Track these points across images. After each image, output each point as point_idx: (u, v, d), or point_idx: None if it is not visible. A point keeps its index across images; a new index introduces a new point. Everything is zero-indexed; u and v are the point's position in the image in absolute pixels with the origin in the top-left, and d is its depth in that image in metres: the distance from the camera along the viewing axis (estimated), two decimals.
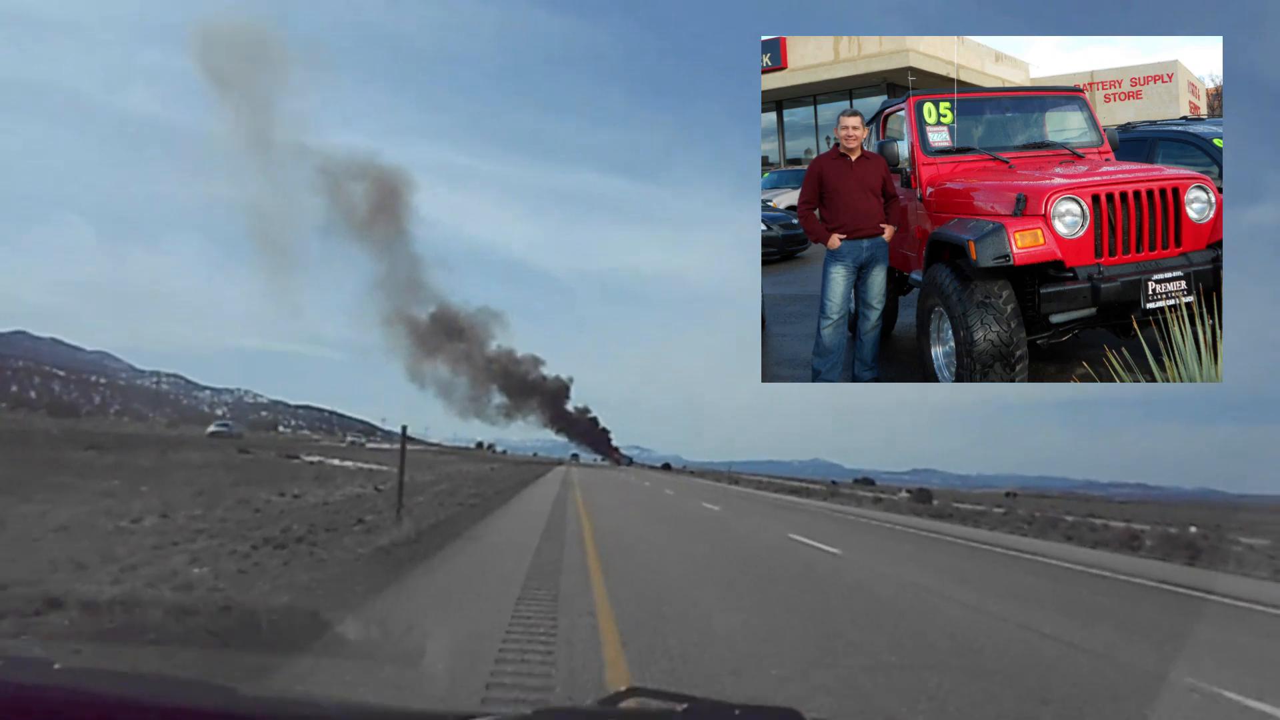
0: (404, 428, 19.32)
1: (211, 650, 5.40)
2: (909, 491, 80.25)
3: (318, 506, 15.88)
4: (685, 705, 1.54)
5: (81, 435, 36.43)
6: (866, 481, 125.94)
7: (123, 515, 11.60)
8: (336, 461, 42.73)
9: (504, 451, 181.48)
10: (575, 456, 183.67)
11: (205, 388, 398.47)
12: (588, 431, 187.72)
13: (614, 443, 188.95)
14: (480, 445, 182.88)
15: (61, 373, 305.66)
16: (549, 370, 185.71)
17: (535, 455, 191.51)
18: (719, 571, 11.54)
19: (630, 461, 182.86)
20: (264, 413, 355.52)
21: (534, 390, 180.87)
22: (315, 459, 42.75)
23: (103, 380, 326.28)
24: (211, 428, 76.90)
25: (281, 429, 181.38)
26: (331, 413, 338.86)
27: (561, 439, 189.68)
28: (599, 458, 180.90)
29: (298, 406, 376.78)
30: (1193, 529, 25.49)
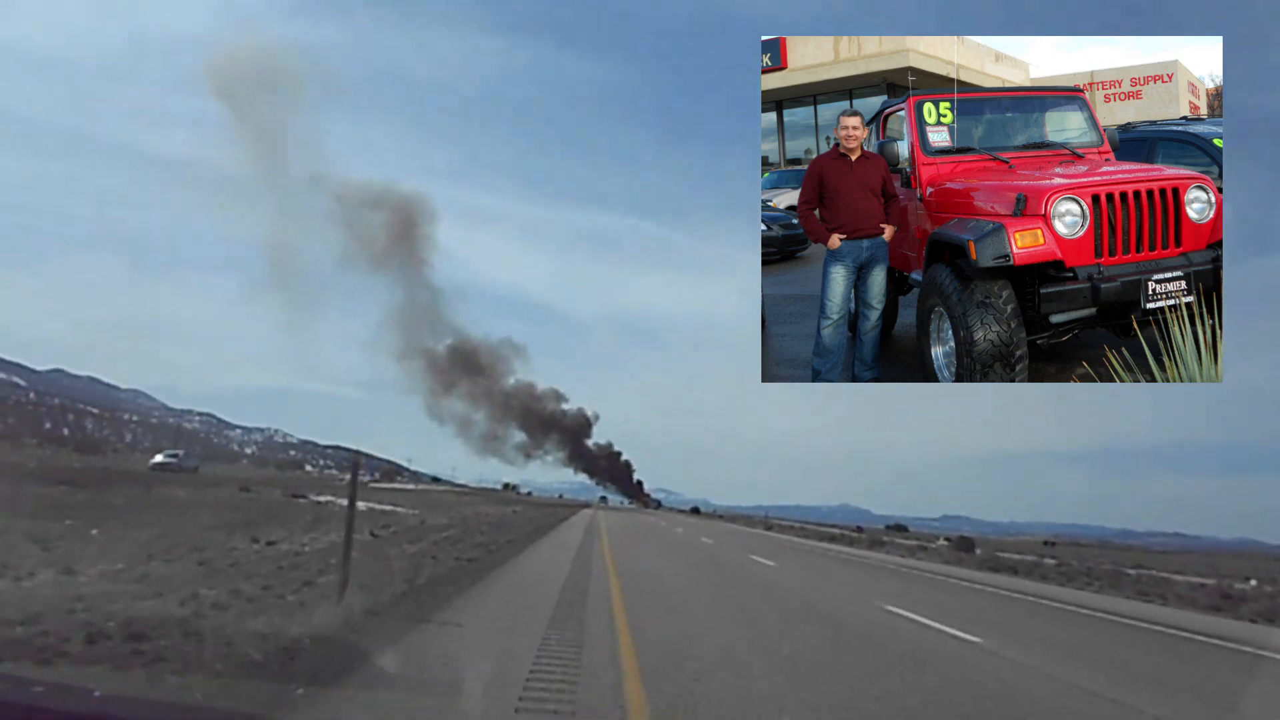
0: (355, 459, 16.76)
1: None
2: (948, 540, 75.51)
3: (286, 556, 13.29)
4: None
5: (61, 471, 34.24)
6: (899, 528, 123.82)
7: (18, 565, 9.45)
8: (345, 502, 41.19)
9: (529, 493, 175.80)
10: (604, 499, 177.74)
11: (236, 426, 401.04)
12: (613, 471, 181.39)
13: (640, 484, 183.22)
14: (506, 486, 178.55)
15: (95, 410, 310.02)
16: (570, 406, 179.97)
17: (561, 497, 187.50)
18: (847, 688, 7.21)
19: (658, 504, 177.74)
20: (293, 452, 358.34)
21: (554, 425, 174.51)
22: (325, 498, 41.12)
23: (135, 418, 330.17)
24: (157, 458, 63.40)
25: (309, 468, 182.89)
26: (361, 453, 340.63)
27: (586, 480, 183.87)
28: (625, 500, 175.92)
29: (327, 446, 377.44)
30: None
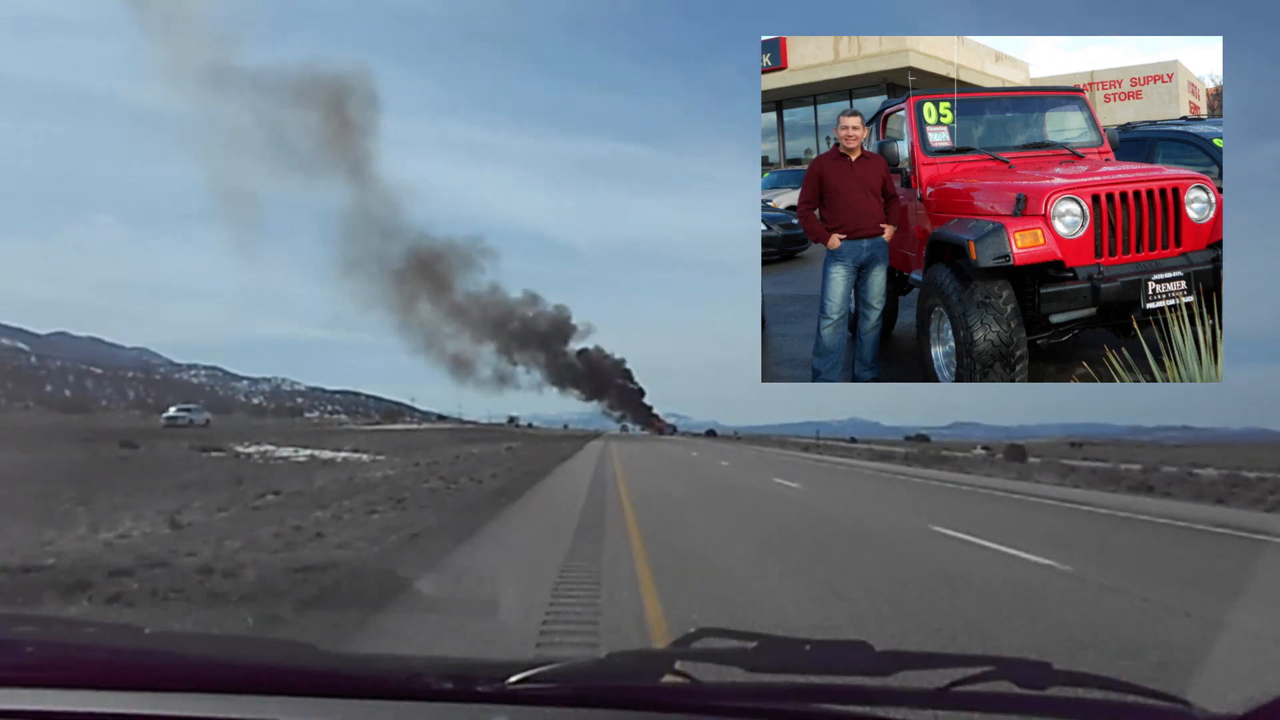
0: None
1: None
2: (986, 448, 70.43)
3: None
4: (756, 642, 1.56)
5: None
6: (921, 439, 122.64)
7: None
8: (289, 453, 34.17)
9: (529, 425, 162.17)
10: (625, 428, 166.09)
11: (243, 378, 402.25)
12: (623, 396, 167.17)
13: (650, 408, 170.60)
14: (511, 420, 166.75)
15: (99, 370, 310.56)
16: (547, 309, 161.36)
17: (566, 427, 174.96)
18: None
19: (674, 429, 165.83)
20: (300, 399, 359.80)
21: (531, 334, 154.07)
22: (253, 449, 34.58)
23: (140, 376, 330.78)
24: (170, 412, 63.14)
25: (309, 414, 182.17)
26: (369, 396, 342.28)
27: (597, 410, 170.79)
28: (637, 427, 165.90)
29: (334, 392, 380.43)
30: None
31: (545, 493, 18.66)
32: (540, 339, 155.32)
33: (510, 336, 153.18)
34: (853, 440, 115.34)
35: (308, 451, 35.56)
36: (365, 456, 33.65)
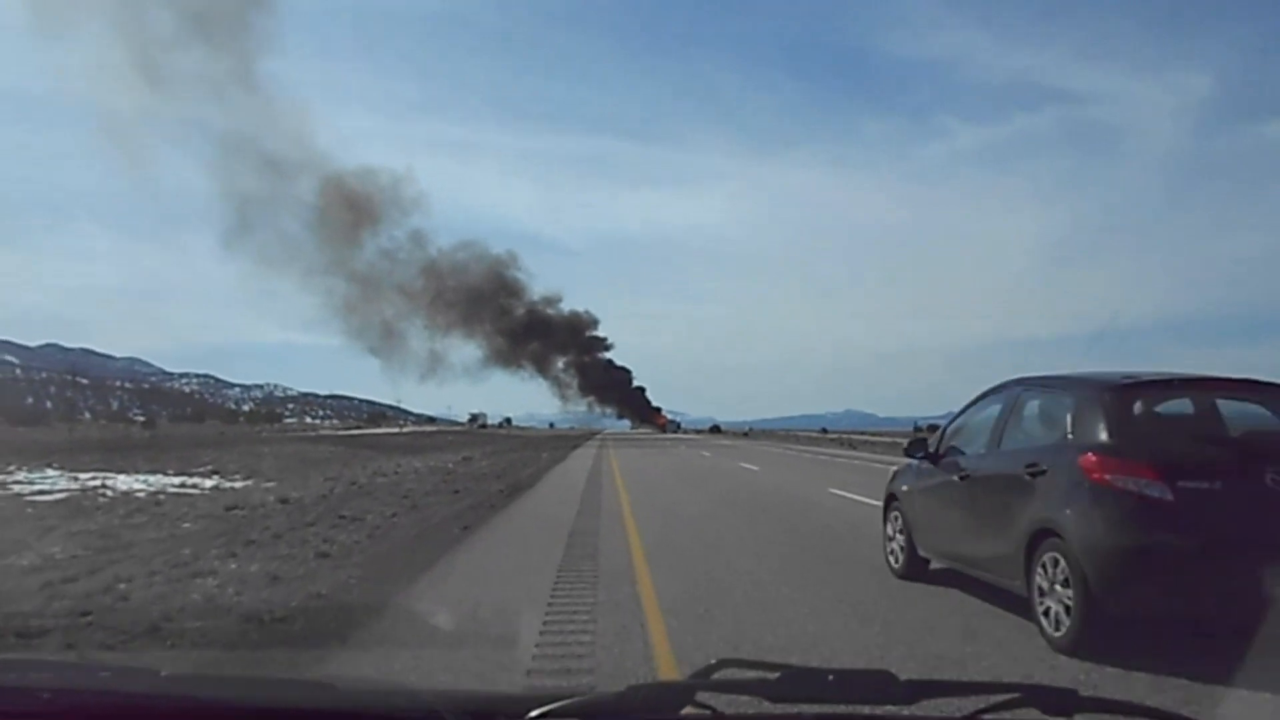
0: None
1: None
2: None
3: None
4: (778, 673, 1.47)
5: None
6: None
7: None
8: (69, 484, 22.48)
9: (502, 425, 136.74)
10: (633, 426, 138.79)
11: (235, 385, 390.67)
12: (622, 392, 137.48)
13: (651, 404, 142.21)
14: (474, 420, 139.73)
15: (85, 381, 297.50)
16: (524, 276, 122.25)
17: (552, 427, 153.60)
18: None
19: (678, 427, 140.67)
20: (291, 404, 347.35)
21: (485, 302, 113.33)
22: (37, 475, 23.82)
23: (129, 385, 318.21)
24: None
25: (288, 420, 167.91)
26: (360, 400, 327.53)
27: (587, 402, 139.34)
28: (634, 424, 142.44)
29: (327, 396, 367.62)
30: None
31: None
32: (528, 331, 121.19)
33: (498, 329, 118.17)
34: (823, 431, 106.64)
35: (145, 479, 23.93)
36: (239, 485, 22.59)
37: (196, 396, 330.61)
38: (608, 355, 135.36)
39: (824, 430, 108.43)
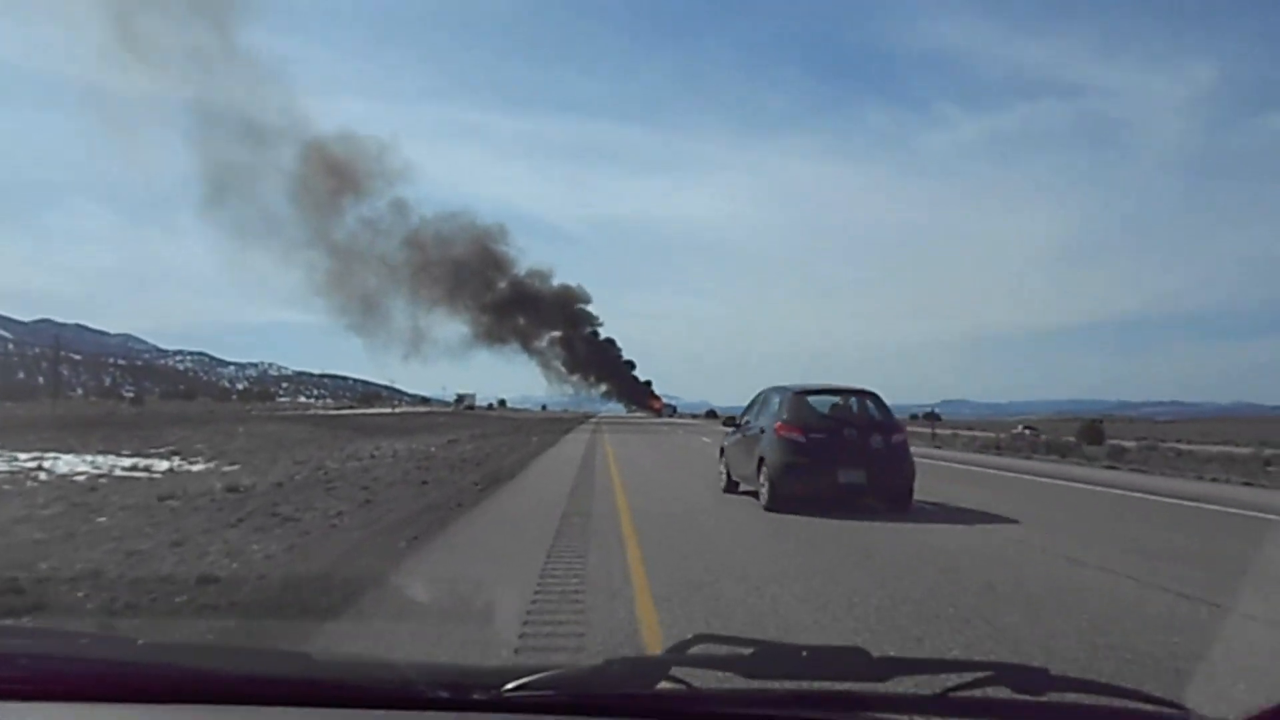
0: None
1: None
2: (1030, 429, 62.47)
3: None
4: (753, 648, 1.50)
5: None
6: (932, 417, 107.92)
7: None
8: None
9: (492, 406, 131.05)
10: (627, 410, 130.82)
11: (229, 363, 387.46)
12: (613, 369, 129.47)
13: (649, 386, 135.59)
14: (460, 400, 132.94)
15: (77, 357, 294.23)
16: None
17: (545, 409, 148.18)
18: None
19: (673, 410, 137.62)
20: (285, 384, 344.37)
21: (468, 276, 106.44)
22: None
23: (121, 362, 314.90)
24: None
25: (281, 399, 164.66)
26: (355, 380, 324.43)
27: (577, 384, 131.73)
28: (628, 408, 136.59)
29: (322, 375, 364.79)
30: None
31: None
32: (515, 305, 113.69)
33: (484, 305, 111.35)
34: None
35: (95, 460, 21.71)
36: (194, 464, 20.74)
37: (190, 374, 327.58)
38: (599, 332, 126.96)
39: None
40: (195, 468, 21.54)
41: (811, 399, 12.64)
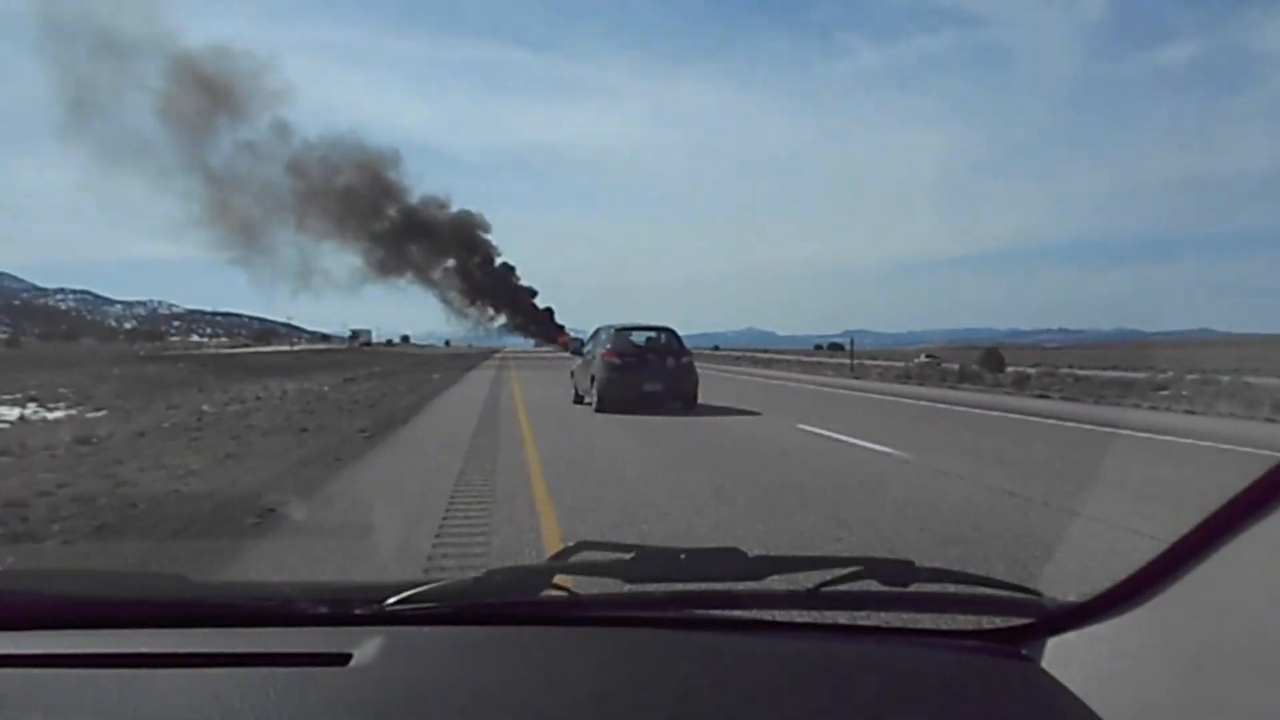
0: None
1: None
2: (931, 356, 62.95)
3: None
4: (632, 553, 1.47)
5: None
6: (836, 347, 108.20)
7: None
8: None
9: (390, 343, 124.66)
10: (536, 345, 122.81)
11: (116, 302, 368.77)
12: (520, 304, 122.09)
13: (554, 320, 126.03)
14: (355, 336, 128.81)
15: None
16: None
17: (448, 344, 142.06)
18: None
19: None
20: (177, 322, 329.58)
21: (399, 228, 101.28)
22: None
23: None
24: None
25: (172, 338, 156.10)
26: (251, 317, 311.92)
27: (471, 312, 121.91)
28: (537, 343, 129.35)
29: (215, 314, 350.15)
30: None
31: None
32: (408, 234, 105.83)
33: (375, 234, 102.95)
34: (716, 349, 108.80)
35: None
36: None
37: (73, 314, 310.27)
38: (500, 260, 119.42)
39: (715, 348, 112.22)
40: (51, 415, 19.49)
41: (630, 335, 17.61)
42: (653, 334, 17.76)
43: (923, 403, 20.35)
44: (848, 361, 48.30)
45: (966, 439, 12.09)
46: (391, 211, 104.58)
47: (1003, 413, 17.19)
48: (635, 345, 17.14)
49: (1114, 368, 40.58)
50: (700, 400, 17.34)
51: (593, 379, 16.69)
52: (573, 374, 19.45)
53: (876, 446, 10.73)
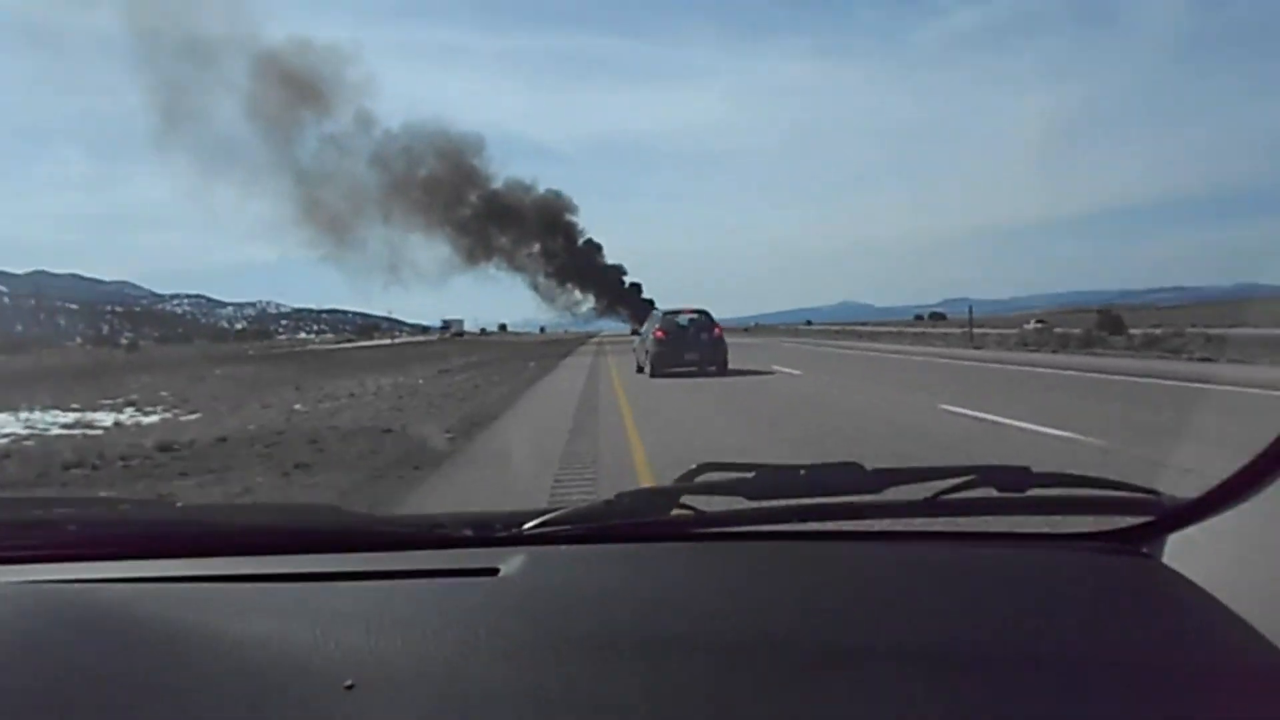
0: None
1: None
2: (1040, 321, 60.22)
3: None
4: (754, 472, 1.49)
5: None
6: (938, 317, 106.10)
7: None
8: None
9: (483, 331, 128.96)
10: (632, 330, 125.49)
11: (227, 304, 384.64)
12: (600, 274, 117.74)
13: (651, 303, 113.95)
14: (446, 327, 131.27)
15: (74, 307, 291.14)
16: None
17: (543, 331, 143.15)
18: None
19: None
20: (284, 321, 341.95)
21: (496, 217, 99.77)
22: None
23: (118, 309, 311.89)
24: None
25: (280, 336, 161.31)
26: (355, 313, 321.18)
27: (561, 294, 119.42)
28: (632, 327, 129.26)
29: (321, 311, 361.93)
30: None
31: None
32: (494, 220, 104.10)
33: (461, 223, 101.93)
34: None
35: (33, 417, 18.66)
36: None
37: (188, 317, 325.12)
38: (587, 240, 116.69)
39: (808, 323, 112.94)
40: (149, 420, 19.05)
41: (675, 317, 22.67)
42: (694, 315, 22.59)
43: (1069, 372, 18.29)
44: (957, 331, 45.82)
45: (1160, 417, 10.14)
46: (474, 198, 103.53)
47: (1158, 379, 15.05)
48: (678, 324, 22.17)
49: (1237, 325, 36.83)
50: (827, 380, 18.88)
51: (647, 352, 21.99)
52: (633, 350, 25.85)
53: (1057, 432, 8.93)
